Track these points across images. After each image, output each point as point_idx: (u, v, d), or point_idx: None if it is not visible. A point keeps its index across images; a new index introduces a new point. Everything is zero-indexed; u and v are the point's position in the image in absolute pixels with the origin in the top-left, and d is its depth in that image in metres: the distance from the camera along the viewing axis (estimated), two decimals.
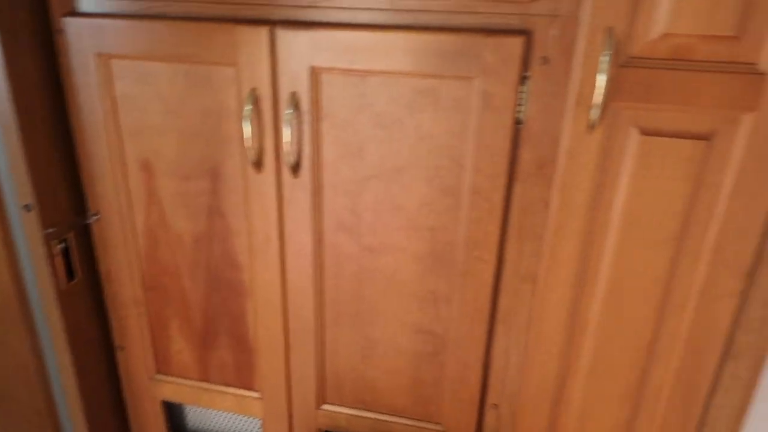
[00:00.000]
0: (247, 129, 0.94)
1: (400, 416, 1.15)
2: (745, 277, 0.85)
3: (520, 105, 0.84)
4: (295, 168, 0.97)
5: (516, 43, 0.80)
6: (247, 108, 0.93)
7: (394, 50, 0.85)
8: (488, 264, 0.96)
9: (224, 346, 1.19)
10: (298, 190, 0.99)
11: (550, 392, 1.03)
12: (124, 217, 1.11)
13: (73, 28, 0.97)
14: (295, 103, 0.92)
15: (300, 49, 0.88)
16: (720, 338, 0.90)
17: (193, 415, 1.37)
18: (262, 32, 0.89)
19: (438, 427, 1.13)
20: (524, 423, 1.07)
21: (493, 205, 0.91)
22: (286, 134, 0.93)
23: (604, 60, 0.75)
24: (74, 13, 0.97)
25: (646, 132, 0.80)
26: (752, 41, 0.72)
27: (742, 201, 0.79)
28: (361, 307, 1.07)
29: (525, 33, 0.80)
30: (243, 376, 1.22)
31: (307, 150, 0.96)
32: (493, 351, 1.05)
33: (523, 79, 0.83)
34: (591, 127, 0.80)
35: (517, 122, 0.86)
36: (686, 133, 0.78)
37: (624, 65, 0.77)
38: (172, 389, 1.27)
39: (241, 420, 1.34)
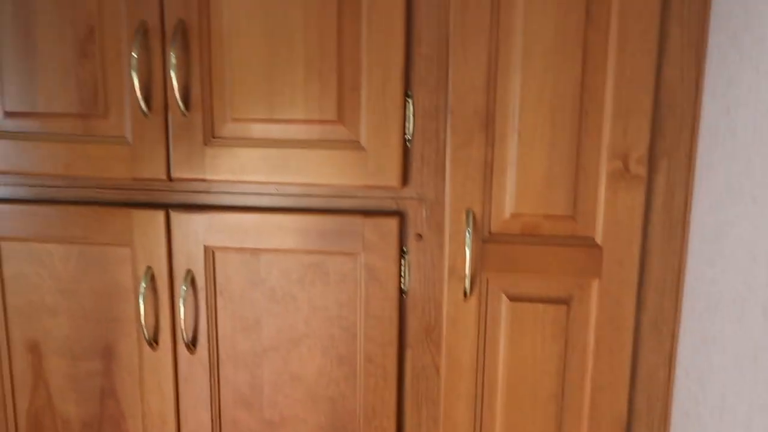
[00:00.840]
0: (143, 307, 1.00)
1: None
2: None
3: (402, 276, 0.95)
4: (192, 343, 1.02)
5: (392, 223, 0.93)
6: (143, 286, 1.00)
7: (281, 230, 0.96)
8: None
9: None
10: (196, 366, 1.03)
11: None
12: (5, 400, 1.09)
13: None
14: (190, 281, 1.00)
15: (195, 231, 0.98)
16: None
17: None
18: (159, 216, 0.99)
19: None
20: None
21: (387, 372, 0.98)
22: (182, 310, 0.99)
23: (468, 237, 0.88)
24: None
25: (513, 298, 0.91)
26: (586, 219, 0.87)
27: (605, 357, 0.90)
28: None
29: (399, 214, 0.94)
30: None
31: (203, 325, 1.01)
32: None
33: (402, 254, 0.95)
34: (465, 295, 0.91)
35: (402, 292, 0.96)
36: (547, 298, 0.90)
37: (486, 240, 0.90)
38: None
39: None
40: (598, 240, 0.87)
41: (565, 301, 0.90)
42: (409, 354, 0.99)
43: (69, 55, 0.96)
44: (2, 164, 1.00)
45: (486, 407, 0.96)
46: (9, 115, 0.99)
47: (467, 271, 0.89)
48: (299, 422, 1.03)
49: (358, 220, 0.94)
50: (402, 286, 0.96)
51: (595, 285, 0.89)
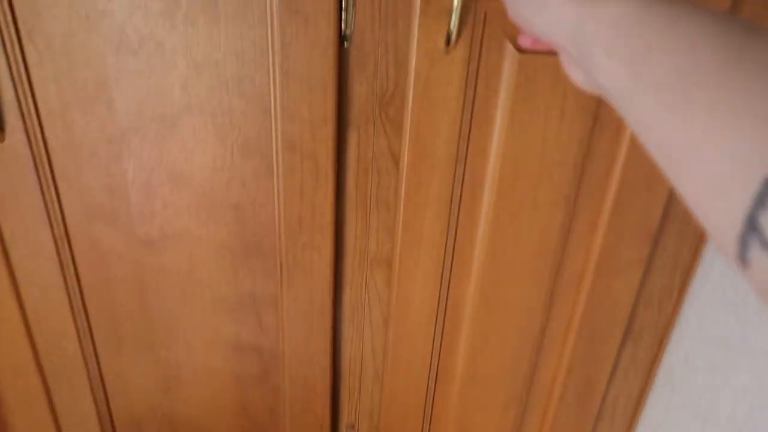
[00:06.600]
0: None
1: None
2: (651, 241, 0.67)
3: (343, 13, 0.56)
4: None
5: None
6: None
7: None
8: (323, 250, 0.70)
9: None
10: (9, 162, 0.64)
11: (420, 403, 0.82)
12: None
13: None
14: None
15: None
16: (621, 319, 0.73)
17: None
18: None
19: None
20: None
21: (320, 166, 0.64)
22: None
23: None
24: None
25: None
26: None
27: None
28: (151, 323, 0.77)
29: None
30: None
31: (9, 95, 0.60)
32: (343, 361, 0.81)
33: None
34: (449, 41, 0.55)
35: (343, 38, 0.58)
36: None
37: None
38: None
39: None
40: None
41: None
42: (353, 137, 0.64)
43: None
44: None
45: (467, 212, 0.66)
46: None
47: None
48: (191, 239, 0.70)
49: None
50: (343, 28, 0.58)
51: None
